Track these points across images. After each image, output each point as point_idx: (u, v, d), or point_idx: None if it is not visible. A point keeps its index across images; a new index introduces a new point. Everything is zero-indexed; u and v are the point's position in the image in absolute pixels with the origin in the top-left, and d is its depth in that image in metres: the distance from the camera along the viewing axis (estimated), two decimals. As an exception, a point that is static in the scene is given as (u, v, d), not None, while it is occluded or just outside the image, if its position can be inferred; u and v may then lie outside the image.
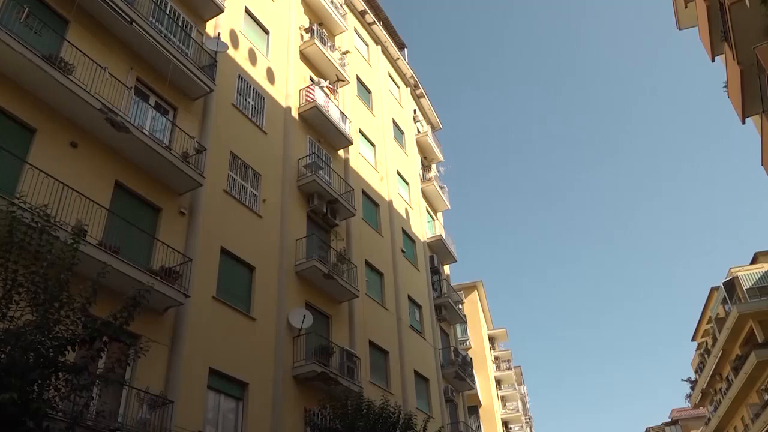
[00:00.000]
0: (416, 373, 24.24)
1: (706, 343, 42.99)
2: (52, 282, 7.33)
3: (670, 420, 70.61)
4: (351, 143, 23.83)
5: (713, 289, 39.26)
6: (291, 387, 16.53)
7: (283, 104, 21.05)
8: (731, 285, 35.84)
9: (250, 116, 18.96)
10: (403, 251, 26.83)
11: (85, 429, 7.61)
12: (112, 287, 10.86)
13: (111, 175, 13.32)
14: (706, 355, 42.50)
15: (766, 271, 35.14)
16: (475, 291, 44.87)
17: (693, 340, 47.01)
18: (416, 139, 33.82)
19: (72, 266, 7.66)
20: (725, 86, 16.95)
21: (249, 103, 19.21)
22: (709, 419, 43.89)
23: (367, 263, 23.23)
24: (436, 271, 30.37)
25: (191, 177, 14.60)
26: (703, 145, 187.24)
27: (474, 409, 35.34)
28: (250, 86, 19.52)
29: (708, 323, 41.75)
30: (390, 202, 27.11)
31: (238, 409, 14.75)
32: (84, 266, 8.81)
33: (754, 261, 36.80)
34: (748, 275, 35.32)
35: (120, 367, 9.10)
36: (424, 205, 32.30)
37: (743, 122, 16.49)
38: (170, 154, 14.13)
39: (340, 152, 23.93)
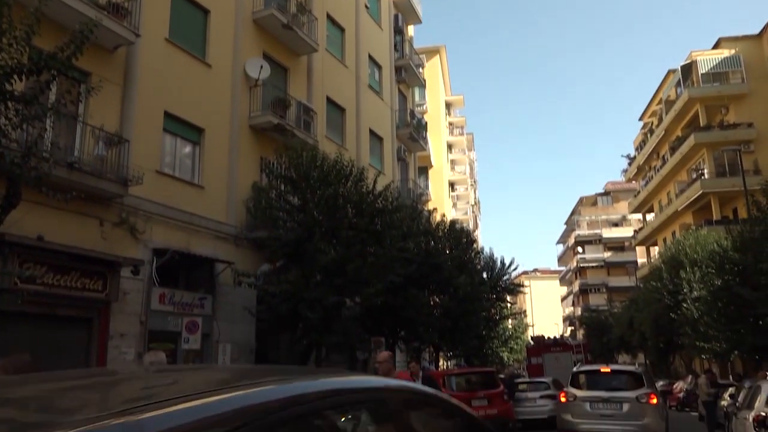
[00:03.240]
0: (371, 132, 24.79)
1: (652, 123, 44.70)
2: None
3: (603, 191, 76.15)
4: None
5: (670, 71, 39.65)
6: (247, 136, 16.81)
7: None
8: (688, 68, 36.23)
9: None
10: (366, 6, 25.60)
11: (40, 160, 7.72)
12: (57, 20, 10.29)
13: None
14: (649, 135, 44.49)
15: (725, 57, 35.37)
16: (437, 56, 44.17)
17: (640, 119, 48.67)
18: None
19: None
20: None
21: None
22: (639, 192, 47.47)
23: (329, 17, 22.24)
24: (399, 32, 29.45)
25: None
26: None
27: (424, 170, 37.05)
28: None
29: (658, 104, 42.93)
30: (356, -49, 25.12)
31: (195, 153, 15.11)
32: (22, -8, 8.22)
33: (716, 46, 36.73)
34: (707, 60, 35.57)
35: (72, 102, 9.01)
36: (393, -43, 30.08)
37: None
38: None
39: None
